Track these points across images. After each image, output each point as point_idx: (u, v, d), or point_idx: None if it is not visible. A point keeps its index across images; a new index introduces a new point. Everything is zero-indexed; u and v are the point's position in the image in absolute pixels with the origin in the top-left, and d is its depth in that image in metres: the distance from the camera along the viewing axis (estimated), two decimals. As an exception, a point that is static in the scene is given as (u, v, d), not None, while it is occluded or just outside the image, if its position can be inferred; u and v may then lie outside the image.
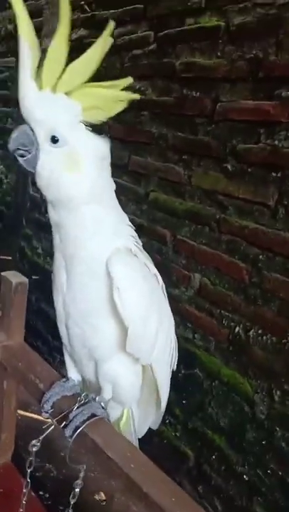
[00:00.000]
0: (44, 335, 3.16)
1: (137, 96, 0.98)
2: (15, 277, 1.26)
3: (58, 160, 1.00)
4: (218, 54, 1.98)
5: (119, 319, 1.07)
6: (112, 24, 0.96)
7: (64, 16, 0.93)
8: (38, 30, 3.57)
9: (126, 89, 0.99)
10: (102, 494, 2.01)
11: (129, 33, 2.56)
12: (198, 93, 2.09)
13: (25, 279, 1.28)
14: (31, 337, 1.33)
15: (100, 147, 1.03)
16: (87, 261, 1.06)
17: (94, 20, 2.81)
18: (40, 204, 3.31)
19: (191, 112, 2.11)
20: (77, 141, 0.99)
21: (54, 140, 0.99)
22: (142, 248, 1.16)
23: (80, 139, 1.00)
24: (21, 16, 0.93)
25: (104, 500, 2.01)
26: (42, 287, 3.19)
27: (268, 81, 1.75)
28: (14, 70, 3.82)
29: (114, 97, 0.98)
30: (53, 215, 1.07)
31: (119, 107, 0.99)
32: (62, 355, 3.19)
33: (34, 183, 1.07)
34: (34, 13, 3.42)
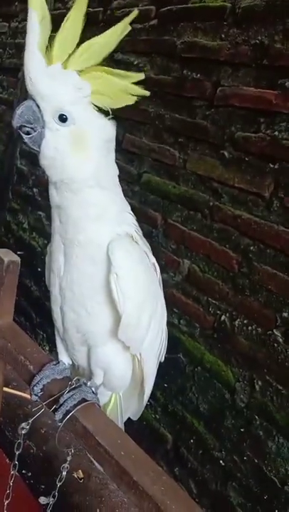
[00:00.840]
0: (27, 311, 3.13)
1: (147, 92, 0.95)
2: (7, 255, 1.23)
3: (64, 139, 0.96)
4: (222, 36, 1.93)
5: (115, 306, 1.05)
6: (135, 12, 0.92)
7: None
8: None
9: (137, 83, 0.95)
10: (81, 472, 2.03)
11: (130, 5, 2.48)
12: (198, 75, 2.05)
13: (18, 258, 1.25)
14: (14, 313, 1.30)
15: (108, 129, 0.99)
16: (86, 245, 1.04)
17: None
18: (27, 177, 3.23)
19: (190, 94, 2.07)
20: (85, 121, 0.96)
21: (62, 118, 0.95)
22: (142, 236, 1.14)
23: (89, 119, 0.96)
24: None
25: (82, 478, 2.03)
26: (27, 263, 3.14)
27: (271, 69, 1.72)
28: (6, 35, 3.68)
29: (124, 88, 0.94)
30: (54, 195, 1.03)
31: (128, 101, 0.96)
32: (44, 331, 3.18)
33: (34, 161, 1.03)
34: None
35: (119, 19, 2.63)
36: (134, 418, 1.46)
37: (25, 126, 0.96)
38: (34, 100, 0.95)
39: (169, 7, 2.20)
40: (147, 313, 1.13)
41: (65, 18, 0.90)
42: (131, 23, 2.54)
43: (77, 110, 0.95)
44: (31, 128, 0.96)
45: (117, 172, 1.08)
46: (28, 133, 0.97)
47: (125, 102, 0.96)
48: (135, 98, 0.95)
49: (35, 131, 0.97)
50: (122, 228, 1.08)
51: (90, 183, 1.01)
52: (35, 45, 0.90)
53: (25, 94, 0.98)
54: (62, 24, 0.90)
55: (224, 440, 1.89)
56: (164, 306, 1.27)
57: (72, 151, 0.97)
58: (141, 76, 0.95)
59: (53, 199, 1.04)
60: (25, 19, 3.44)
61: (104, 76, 0.93)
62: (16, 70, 3.47)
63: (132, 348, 1.15)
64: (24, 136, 0.97)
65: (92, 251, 1.04)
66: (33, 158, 3.30)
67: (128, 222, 1.11)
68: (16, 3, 3.58)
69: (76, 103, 0.94)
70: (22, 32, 3.50)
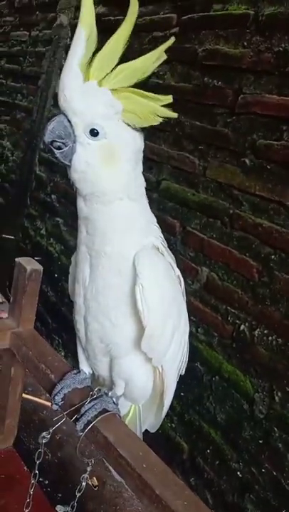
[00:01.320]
0: (44, 316, 3.14)
1: (174, 115, 0.96)
2: (29, 264, 1.23)
3: (96, 153, 0.97)
4: (245, 44, 1.92)
5: (139, 317, 1.05)
6: (172, 40, 0.93)
7: (132, 14, 0.89)
8: (54, 4, 3.49)
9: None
10: (95, 479, 2.02)
11: (151, 13, 2.48)
12: (219, 82, 2.04)
13: (40, 267, 1.25)
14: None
15: (137, 141, 1.00)
16: (113, 257, 1.04)
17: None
18: (46, 184, 3.26)
19: (211, 102, 2.06)
20: (116, 135, 0.96)
21: (93, 133, 0.95)
22: (167, 248, 1.14)
23: (119, 133, 0.97)
24: (86, 2, 0.88)
25: (97, 486, 2.02)
26: (44, 269, 3.16)
27: (295, 77, 1.70)
28: (26, 44, 3.72)
29: (153, 109, 0.95)
30: (82, 207, 1.04)
31: (155, 121, 0.96)
32: (60, 337, 3.18)
33: (66, 176, 1.03)
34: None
35: (140, 27, 2.63)
36: (152, 430, 1.44)
37: (56, 141, 0.97)
38: (65, 115, 0.96)
39: (190, 15, 2.20)
40: (171, 325, 1.12)
41: (110, 39, 0.90)
42: (151, 31, 2.55)
43: (108, 125, 0.95)
44: (62, 143, 0.97)
45: (144, 183, 1.08)
46: (59, 148, 0.98)
47: (152, 123, 0.97)
48: (161, 119, 0.96)
49: (66, 145, 0.97)
50: (149, 240, 1.08)
51: (121, 195, 1.01)
52: (76, 62, 0.91)
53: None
54: (106, 44, 0.91)
55: (242, 451, 1.86)
56: (187, 318, 1.26)
57: (104, 164, 0.97)
58: (169, 99, 0.95)
59: (81, 211, 1.04)
60: (45, 28, 3.50)
61: (136, 97, 0.95)
62: (35, 78, 3.51)
63: (154, 360, 1.14)
64: (55, 150, 0.98)
65: (119, 262, 1.04)
66: (51, 165, 3.33)
67: (154, 235, 1.11)
68: (37, 13, 3.62)
69: (107, 118, 0.95)
70: (42, 41, 3.54)
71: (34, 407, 2.42)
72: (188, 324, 1.28)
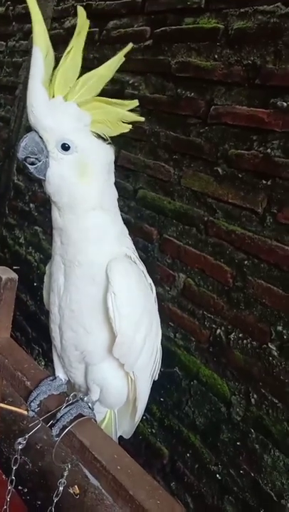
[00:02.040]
0: (23, 326, 3.13)
1: (141, 119, 1.00)
2: (4, 273, 1.25)
3: (69, 167, 1.00)
4: (216, 56, 1.98)
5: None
6: (130, 45, 0.98)
7: (82, 27, 0.93)
8: (30, 16, 3.46)
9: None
10: (77, 488, 2.03)
11: (125, 26, 2.54)
12: (192, 94, 2.09)
13: (15, 275, 1.27)
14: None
15: (108, 153, 1.03)
16: (86, 266, 1.07)
17: (89, 9, 2.77)
18: (24, 193, 3.27)
19: (185, 112, 2.12)
20: (87, 147, 1.00)
21: (64, 147, 0.99)
22: (138, 258, 1.17)
23: (90, 146, 1.00)
24: (37, 21, 0.91)
25: (78, 494, 2.03)
26: (23, 278, 3.16)
27: (264, 89, 1.77)
28: (3, 54, 3.74)
29: (121, 116, 0.99)
30: (57, 218, 1.06)
31: (124, 128, 1.01)
32: (40, 346, 3.17)
33: (40, 186, 1.07)
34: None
35: (114, 39, 2.70)
36: (126, 437, 1.46)
37: (29, 157, 1.00)
38: (37, 132, 0.99)
39: (163, 28, 2.26)
40: (142, 332, 1.15)
41: (65, 53, 0.94)
42: (126, 43, 2.59)
43: (78, 138, 0.99)
44: (36, 158, 1.00)
45: (116, 195, 1.11)
46: (33, 163, 1.01)
47: (122, 130, 1.01)
48: (130, 126, 1.00)
49: (39, 161, 1.00)
50: (121, 249, 1.11)
51: (94, 205, 1.04)
52: (39, 81, 0.94)
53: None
54: (63, 59, 0.94)
55: (220, 454, 1.89)
56: (159, 325, 1.29)
57: (77, 177, 1.01)
58: (135, 103, 0.99)
59: (55, 221, 1.07)
60: (22, 38, 3.53)
61: (103, 106, 0.98)
62: (13, 88, 3.53)
63: (126, 366, 1.16)
64: (29, 166, 1.01)
65: (92, 271, 1.07)
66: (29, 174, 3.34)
67: (126, 245, 1.14)
68: (14, 23, 3.65)
69: (77, 132, 0.99)
70: (19, 51, 3.56)
71: (14, 417, 2.41)
72: (160, 331, 1.31)
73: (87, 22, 0.94)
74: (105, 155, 1.03)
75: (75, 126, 0.98)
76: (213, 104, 1.97)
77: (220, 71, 1.95)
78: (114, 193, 1.11)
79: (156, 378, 1.35)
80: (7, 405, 2.39)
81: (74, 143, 0.98)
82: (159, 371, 1.35)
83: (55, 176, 1.01)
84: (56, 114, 0.96)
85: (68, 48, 0.94)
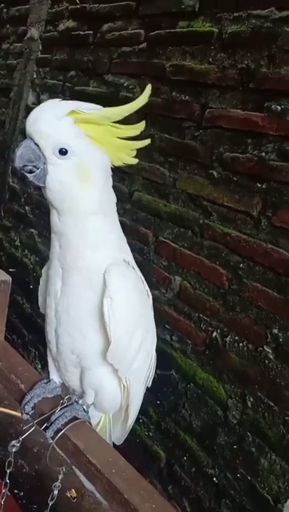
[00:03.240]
0: (19, 328, 3.13)
1: (147, 141, 1.04)
2: (-2, 275, 1.24)
3: (68, 172, 0.99)
4: (210, 60, 1.99)
5: None
6: (149, 87, 1.02)
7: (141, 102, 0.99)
8: (25, 17, 3.52)
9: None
10: (74, 491, 2.01)
11: (119, 29, 2.54)
12: (187, 97, 2.10)
13: (9, 277, 1.26)
14: (6, 330, 1.32)
15: (105, 157, 1.03)
16: (84, 271, 1.06)
17: (83, 11, 2.77)
18: (19, 195, 3.26)
19: (180, 116, 2.12)
20: (84, 151, 0.99)
21: (62, 152, 0.98)
22: (136, 265, 1.17)
23: (87, 149, 1.00)
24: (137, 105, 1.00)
25: (76, 498, 2.01)
26: (19, 280, 3.15)
27: (258, 92, 1.77)
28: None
29: (125, 146, 1.03)
30: (56, 222, 1.06)
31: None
32: (37, 349, 3.16)
33: (22, 179, 1.08)
34: (21, 0, 3.38)
35: (109, 42, 2.70)
36: (118, 443, 1.45)
37: (27, 165, 1.00)
38: (32, 139, 0.98)
39: (157, 31, 2.27)
40: (138, 338, 1.14)
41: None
42: (120, 46, 2.62)
43: (75, 143, 0.98)
44: (34, 166, 1.00)
45: (115, 199, 1.11)
46: (31, 171, 1.00)
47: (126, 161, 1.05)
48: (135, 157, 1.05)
49: (37, 168, 1.00)
50: (120, 255, 1.10)
51: (95, 209, 1.04)
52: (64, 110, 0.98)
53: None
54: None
55: (217, 457, 1.89)
56: (155, 332, 1.29)
57: (77, 181, 1.00)
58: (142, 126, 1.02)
59: (54, 225, 1.06)
60: (16, 41, 3.53)
61: (109, 139, 1.01)
62: (7, 91, 3.53)
63: (120, 372, 1.15)
64: (28, 175, 1.01)
65: (90, 276, 1.06)
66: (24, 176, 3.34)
67: (125, 252, 1.14)
68: (8, 26, 3.65)
69: (73, 136, 0.98)
70: (13, 53, 3.57)
71: (11, 420, 2.39)
72: (155, 338, 1.30)
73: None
74: (102, 158, 1.03)
75: (70, 129, 0.98)
76: (207, 107, 1.98)
77: (214, 74, 1.95)
78: (113, 198, 1.11)
79: (150, 385, 1.34)
80: (2, 408, 2.38)
81: (71, 147, 0.98)
82: (152, 378, 1.34)
83: (55, 181, 1.00)
84: (53, 122, 0.97)
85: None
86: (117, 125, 0.99)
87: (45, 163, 0.99)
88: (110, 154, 1.03)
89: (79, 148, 0.99)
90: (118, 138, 1.01)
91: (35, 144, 0.98)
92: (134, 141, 1.03)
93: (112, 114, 0.98)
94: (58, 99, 1.02)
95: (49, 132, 0.97)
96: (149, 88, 1.00)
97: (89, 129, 0.98)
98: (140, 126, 1.02)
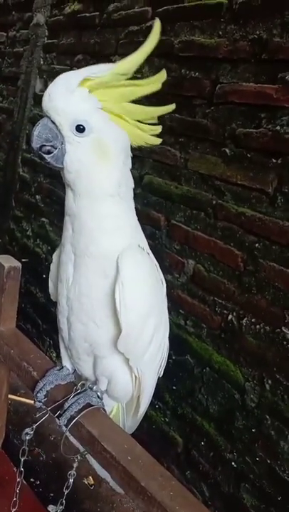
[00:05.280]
0: (34, 318, 3.12)
1: (158, 140, 1.05)
2: (7, 261, 1.21)
3: (87, 150, 0.95)
4: (220, 33, 1.91)
5: None
6: (158, 24, 0.98)
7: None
8: (30, 3, 3.45)
9: None
10: (91, 478, 2.01)
11: (126, 8, 2.47)
12: (196, 73, 2.03)
13: (18, 264, 1.23)
14: (21, 320, 1.29)
15: (125, 135, 0.98)
16: (98, 257, 1.02)
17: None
18: (30, 185, 3.23)
19: (190, 93, 2.05)
20: (103, 128, 0.95)
21: (79, 129, 0.94)
22: (150, 252, 1.12)
23: (106, 126, 0.95)
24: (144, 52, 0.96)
25: (93, 485, 2.01)
26: (32, 270, 3.14)
27: (271, 63, 1.70)
28: (4, 45, 3.69)
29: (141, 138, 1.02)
30: (72, 205, 1.01)
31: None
32: (51, 338, 3.16)
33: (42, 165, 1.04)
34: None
35: (115, 22, 2.63)
36: (129, 432, 1.42)
37: (44, 145, 0.96)
38: (48, 117, 0.94)
39: (164, 7, 2.19)
40: (151, 326, 1.10)
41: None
42: (127, 26, 2.55)
43: (93, 119, 0.94)
44: (51, 146, 0.96)
45: (132, 184, 1.07)
46: (49, 152, 0.96)
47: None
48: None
49: (55, 148, 0.96)
50: (135, 240, 1.06)
51: (113, 192, 1.00)
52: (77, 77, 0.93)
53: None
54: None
55: (235, 441, 1.86)
56: (168, 323, 1.24)
57: (96, 160, 0.96)
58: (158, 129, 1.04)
59: (69, 208, 1.02)
60: (22, 27, 3.47)
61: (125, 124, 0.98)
62: (15, 79, 3.48)
63: (131, 361, 1.11)
64: (46, 156, 0.96)
65: (104, 263, 1.02)
66: (34, 165, 3.30)
67: (140, 238, 1.09)
68: (13, 13, 3.59)
69: (91, 112, 0.94)
70: (20, 41, 3.51)
71: (27, 409, 2.40)
72: (168, 329, 1.25)
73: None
74: (122, 136, 0.98)
75: (86, 105, 0.93)
76: (218, 83, 1.91)
77: (225, 48, 1.88)
78: (131, 183, 1.06)
79: (162, 374, 1.30)
80: (16, 396, 2.39)
81: (89, 123, 0.93)
82: (164, 367, 1.30)
83: (74, 161, 0.96)
84: (66, 95, 0.92)
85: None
86: (134, 81, 0.96)
87: (62, 143, 0.95)
88: (131, 131, 0.98)
89: (97, 124, 0.95)
90: (138, 106, 0.98)
91: (52, 122, 0.94)
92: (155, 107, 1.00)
93: (123, 68, 0.93)
94: (70, 71, 0.97)
95: (63, 107, 0.93)
96: (158, 24, 0.97)
97: (106, 95, 0.94)
98: (161, 77, 0.97)
